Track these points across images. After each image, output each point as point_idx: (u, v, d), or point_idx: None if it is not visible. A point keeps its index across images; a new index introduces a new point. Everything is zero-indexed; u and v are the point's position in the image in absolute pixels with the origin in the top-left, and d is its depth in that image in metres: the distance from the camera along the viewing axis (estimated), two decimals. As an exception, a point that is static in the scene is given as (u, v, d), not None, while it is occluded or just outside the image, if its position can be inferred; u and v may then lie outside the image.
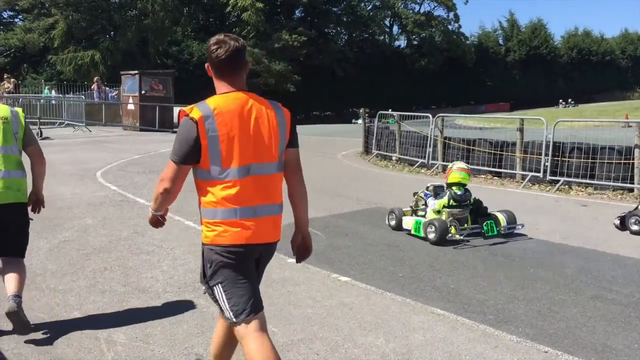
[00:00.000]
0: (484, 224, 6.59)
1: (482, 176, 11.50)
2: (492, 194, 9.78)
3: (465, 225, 6.63)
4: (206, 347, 3.64)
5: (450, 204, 6.65)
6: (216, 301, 2.59)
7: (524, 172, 10.74)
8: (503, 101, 60.10)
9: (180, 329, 3.92)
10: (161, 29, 41.41)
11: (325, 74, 50.20)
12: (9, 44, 41.63)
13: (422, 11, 60.35)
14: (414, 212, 7.08)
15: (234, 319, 2.53)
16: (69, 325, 3.93)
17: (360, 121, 15.16)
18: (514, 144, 11.07)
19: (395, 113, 14.23)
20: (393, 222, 6.96)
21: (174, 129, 22.68)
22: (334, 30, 56.61)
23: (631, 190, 9.42)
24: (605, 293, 4.80)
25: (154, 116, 22.09)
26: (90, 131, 20.81)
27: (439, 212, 6.67)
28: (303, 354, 3.59)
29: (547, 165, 10.27)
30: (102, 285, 4.74)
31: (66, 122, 22.60)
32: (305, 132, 22.78)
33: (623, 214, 7.01)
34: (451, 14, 59.95)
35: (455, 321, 4.16)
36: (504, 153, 11.18)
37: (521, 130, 10.90)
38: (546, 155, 10.29)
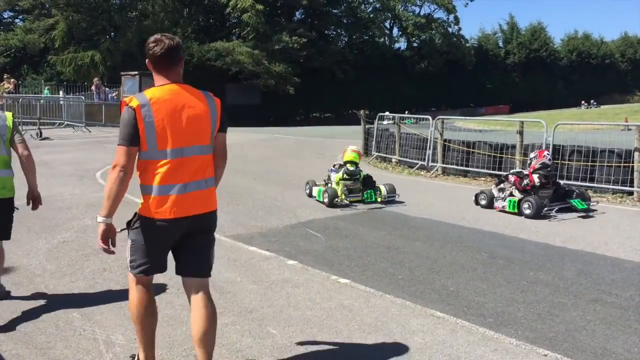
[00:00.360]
0: (365, 192, 8.68)
1: (482, 178, 11.49)
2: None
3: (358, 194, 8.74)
4: (205, 348, 3.63)
5: (344, 177, 8.81)
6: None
7: (523, 175, 10.72)
8: (503, 104, 60.14)
9: (179, 330, 3.91)
10: (161, 29, 41.40)
11: (325, 76, 50.18)
12: (9, 44, 41.63)
13: (422, 14, 60.39)
14: (326, 184, 9.00)
15: (129, 269, 3.10)
16: (68, 326, 3.92)
17: (376, 122, 15.16)
18: (513, 147, 11.06)
19: (395, 115, 14.21)
20: (308, 191, 9.15)
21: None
22: (334, 32, 56.58)
23: (631, 193, 9.42)
24: (604, 296, 4.80)
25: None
26: (90, 132, 20.81)
27: (337, 183, 8.74)
28: (302, 356, 3.58)
29: (547, 168, 10.25)
30: (101, 286, 4.74)
31: (66, 122, 22.60)
32: (306, 134, 22.78)
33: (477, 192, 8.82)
34: (451, 17, 59.94)
35: (454, 324, 4.15)
36: (503, 155, 11.17)
37: (521, 132, 10.89)
38: (546, 157, 10.27)
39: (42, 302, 4.36)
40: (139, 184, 2.99)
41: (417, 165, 12.98)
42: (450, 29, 60.12)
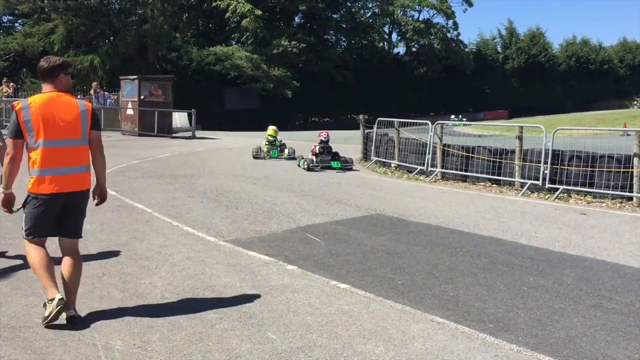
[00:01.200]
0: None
1: (481, 183, 11.49)
2: (490, 201, 9.79)
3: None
4: (205, 354, 3.62)
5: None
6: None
7: (523, 180, 10.73)
8: (501, 109, 60.20)
9: (179, 335, 3.90)
10: (160, 34, 41.41)
11: (324, 80, 50.21)
12: (8, 48, 41.61)
13: (421, 19, 60.48)
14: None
15: (24, 235, 4.05)
16: (67, 331, 3.90)
17: (375, 127, 15.34)
18: (512, 152, 11.06)
19: (395, 120, 14.21)
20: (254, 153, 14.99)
21: (173, 135, 22.69)
22: (334, 37, 56.65)
23: (630, 199, 9.42)
24: (605, 302, 4.79)
25: (152, 121, 22.08)
26: (89, 136, 20.78)
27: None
28: (302, 362, 3.57)
29: (546, 173, 10.27)
30: (100, 291, 4.72)
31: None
32: (305, 138, 22.75)
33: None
34: (450, 22, 60.02)
35: (455, 330, 4.14)
36: (502, 161, 11.17)
37: (520, 138, 10.89)
38: (545, 163, 10.28)
39: (40, 307, 4.33)
40: (28, 167, 3.96)
41: (417, 170, 12.98)
42: (449, 34, 60.19)
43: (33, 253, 4.04)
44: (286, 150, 15.44)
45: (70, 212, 4.10)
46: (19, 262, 5.42)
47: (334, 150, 14.04)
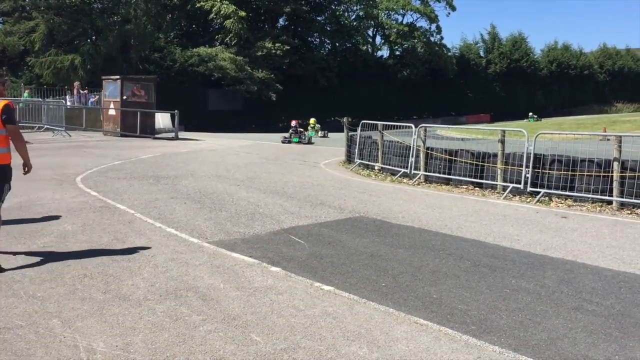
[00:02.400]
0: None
1: (464, 187, 11.57)
2: (473, 204, 9.86)
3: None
4: (188, 355, 3.60)
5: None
6: None
7: (505, 184, 10.83)
8: (483, 112, 60.73)
9: (162, 337, 3.87)
10: (143, 34, 41.11)
11: (308, 83, 50.23)
12: (-12, 46, 41.03)
13: (405, 22, 60.81)
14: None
15: None
16: (48, 333, 3.86)
17: (359, 130, 15.42)
18: (495, 155, 11.16)
19: (379, 123, 14.26)
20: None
21: (155, 136, 22.53)
22: (318, 40, 56.70)
23: (610, 202, 9.55)
24: (585, 304, 4.85)
25: (135, 122, 21.91)
26: (70, 136, 20.58)
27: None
28: (286, 363, 3.56)
29: (527, 177, 10.38)
30: (82, 293, 4.66)
31: (45, 126, 22.32)
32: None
33: None
34: (433, 26, 60.47)
35: (438, 331, 4.16)
36: (485, 164, 11.27)
37: (502, 141, 11.00)
38: (527, 167, 10.39)
39: (21, 308, 4.28)
40: None
41: (400, 173, 13.03)
42: (432, 38, 60.61)
43: None
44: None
45: None
46: (1, 264, 5.35)
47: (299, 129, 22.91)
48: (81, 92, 24.94)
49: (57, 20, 38.94)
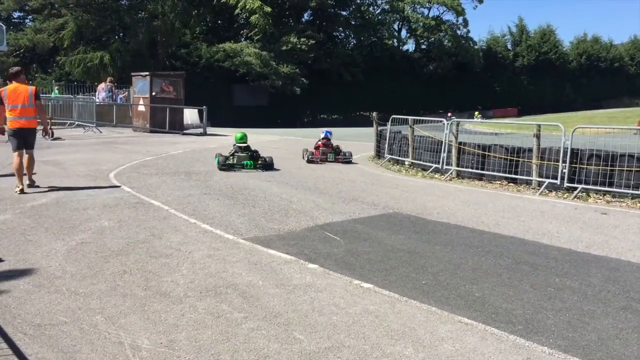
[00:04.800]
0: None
1: (497, 182, 11.39)
2: (508, 200, 9.69)
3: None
4: (233, 354, 3.57)
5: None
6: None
7: (540, 179, 10.61)
8: (511, 106, 59.96)
9: (205, 334, 3.85)
10: (171, 30, 41.44)
11: (333, 77, 50.13)
12: (19, 44, 41.78)
13: (431, 15, 60.26)
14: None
15: (13, 151, 8.66)
16: (92, 329, 3.87)
17: (389, 124, 15.16)
18: (529, 150, 10.94)
19: (409, 117, 14.11)
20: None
21: (184, 131, 22.67)
22: (343, 34, 56.56)
23: (650, 198, 9.30)
24: (634, 304, 4.70)
25: (164, 118, 22.05)
26: (101, 132, 20.80)
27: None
28: (332, 363, 3.51)
29: (564, 172, 10.15)
30: (123, 289, 4.67)
31: (76, 122, 22.60)
32: (315, 135, 22.66)
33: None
34: (460, 19, 59.89)
35: (484, 331, 4.07)
36: (519, 159, 11.06)
37: (538, 136, 10.77)
38: (564, 162, 10.16)
39: (64, 304, 4.30)
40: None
41: (432, 168, 12.88)
42: (459, 31, 60.06)
43: (16, 160, 8.55)
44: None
45: (28, 139, 8.77)
46: (39, 258, 5.39)
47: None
48: (112, 88, 25.15)
49: (85, 17, 39.44)
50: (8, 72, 8.79)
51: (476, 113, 51.26)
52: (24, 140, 8.63)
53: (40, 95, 9.25)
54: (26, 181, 8.75)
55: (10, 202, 7.89)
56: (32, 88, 8.77)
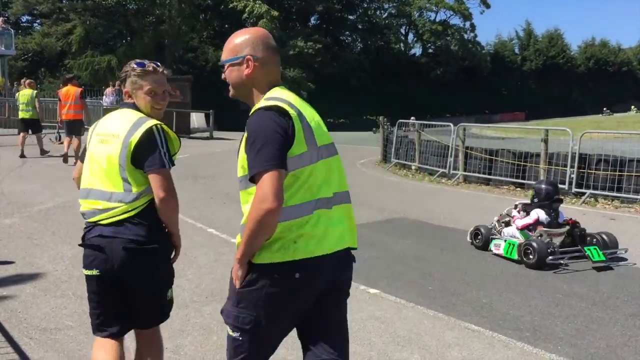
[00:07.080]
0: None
1: (505, 187, 11.34)
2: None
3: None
4: (238, 360, 3.55)
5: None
6: None
7: (547, 184, 10.54)
8: (518, 111, 59.77)
9: (210, 340, 3.83)
10: (177, 34, 41.61)
11: (340, 82, 50.16)
12: (27, 48, 42.05)
13: (437, 20, 60.26)
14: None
15: (65, 136, 12.59)
16: (98, 334, 3.85)
17: (396, 129, 15.07)
18: (537, 155, 10.88)
19: (416, 122, 14.10)
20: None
21: (191, 135, 22.72)
22: (350, 38, 56.64)
23: (659, 204, 9.22)
24: (643, 311, 4.66)
25: (171, 121, 22.09)
26: (108, 135, 20.87)
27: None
28: (338, 369, 3.48)
29: (572, 177, 10.09)
30: (129, 294, 4.66)
31: (85, 125, 22.67)
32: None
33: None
34: (467, 23, 59.82)
35: (491, 338, 4.04)
36: (527, 164, 11.00)
37: (546, 141, 10.72)
38: (572, 167, 10.10)
39: (70, 308, 4.30)
40: None
41: (438, 173, 12.84)
42: (466, 36, 59.96)
43: (66, 142, 11.95)
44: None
45: (75, 127, 11.84)
46: (46, 262, 5.40)
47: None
48: (121, 93, 25.24)
49: (93, 21, 39.67)
50: (64, 76, 12.08)
51: (632, 107, 52.00)
52: (72, 128, 11.63)
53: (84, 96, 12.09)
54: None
55: (17, 206, 7.91)
56: (78, 90, 11.66)
